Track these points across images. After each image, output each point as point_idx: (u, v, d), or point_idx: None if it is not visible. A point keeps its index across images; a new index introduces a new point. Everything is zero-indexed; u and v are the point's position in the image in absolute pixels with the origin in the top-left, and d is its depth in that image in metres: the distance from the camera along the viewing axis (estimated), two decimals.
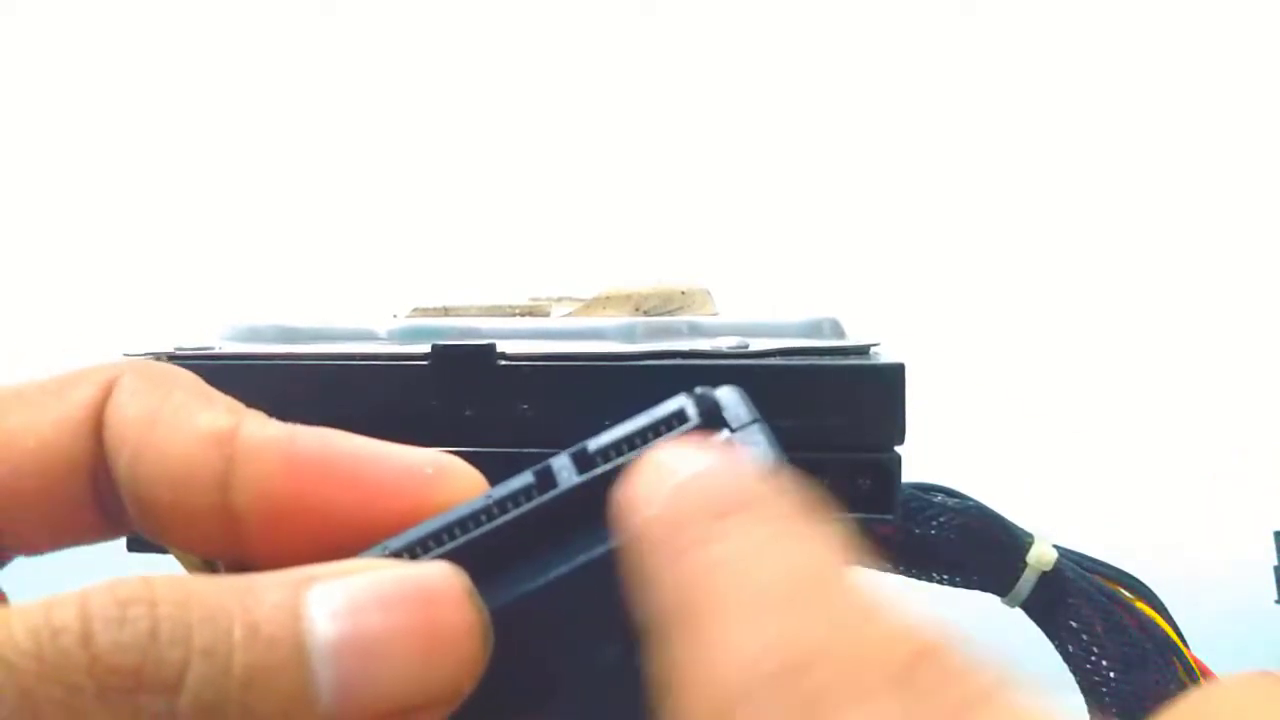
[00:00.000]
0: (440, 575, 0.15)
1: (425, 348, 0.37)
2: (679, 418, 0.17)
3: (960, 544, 0.47)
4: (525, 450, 0.37)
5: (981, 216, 0.77)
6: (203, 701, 0.13)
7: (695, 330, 0.41)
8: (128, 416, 0.18)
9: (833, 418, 0.35)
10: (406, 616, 0.14)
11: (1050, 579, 0.47)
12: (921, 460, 0.39)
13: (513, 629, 0.16)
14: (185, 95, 0.84)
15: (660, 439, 0.16)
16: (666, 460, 0.16)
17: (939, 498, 0.48)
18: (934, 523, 0.47)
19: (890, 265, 0.77)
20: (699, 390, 0.17)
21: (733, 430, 0.17)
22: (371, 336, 0.42)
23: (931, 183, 0.78)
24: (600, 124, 0.82)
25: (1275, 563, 0.72)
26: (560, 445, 0.41)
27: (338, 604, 0.14)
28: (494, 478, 0.41)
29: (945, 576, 0.47)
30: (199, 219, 0.83)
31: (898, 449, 0.36)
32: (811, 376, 0.36)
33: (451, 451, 0.40)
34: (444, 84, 0.83)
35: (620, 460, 0.16)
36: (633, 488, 0.16)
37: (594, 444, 0.17)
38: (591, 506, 0.16)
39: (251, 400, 0.43)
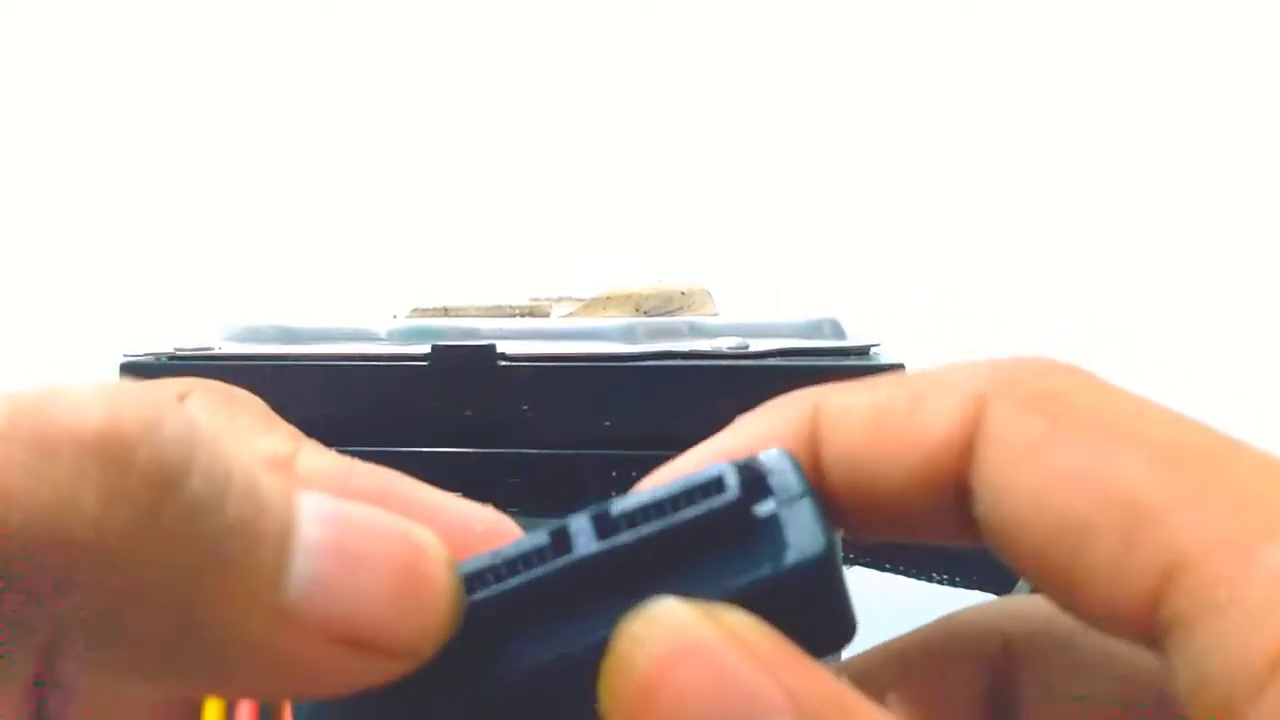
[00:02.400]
0: (427, 533, 0.14)
1: (425, 348, 0.38)
2: (716, 487, 0.15)
3: None
4: (525, 451, 0.37)
5: (982, 216, 0.77)
6: (188, 514, 0.12)
7: (695, 330, 0.41)
8: None
9: None
10: (390, 550, 0.14)
11: None
12: None
13: (500, 706, 0.14)
14: (185, 95, 0.84)
15: (692, 507, 0.15)
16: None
17: None
18: None
19: (890, 265, 0.77)
20: (744, 460, 0.15)
21: (779, 502, 0.15)
22: (371, 337, 0.42)
23: (932, 182, 0.78)
24: (601, 124, 0.82)
25: None
26: (560, 446, 0.41)
27: (327, 512, 0.13)
28: (495, 478, 0.42)
29: (945, 576, 0.47)
30: (199, 219, 0.83)
31: None
32: (812, 377, 0.36)
33: (451, 452, 0.40)
34: (444, 84, 0.83)
35: (644, 531, 0.14)
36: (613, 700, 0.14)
37: (617, 507, 0.15)
38: (608, 576, 0.14)
39: None
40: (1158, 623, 0.13)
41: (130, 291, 0.80)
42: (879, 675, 0.17)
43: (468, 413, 0.37)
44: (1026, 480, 0.14)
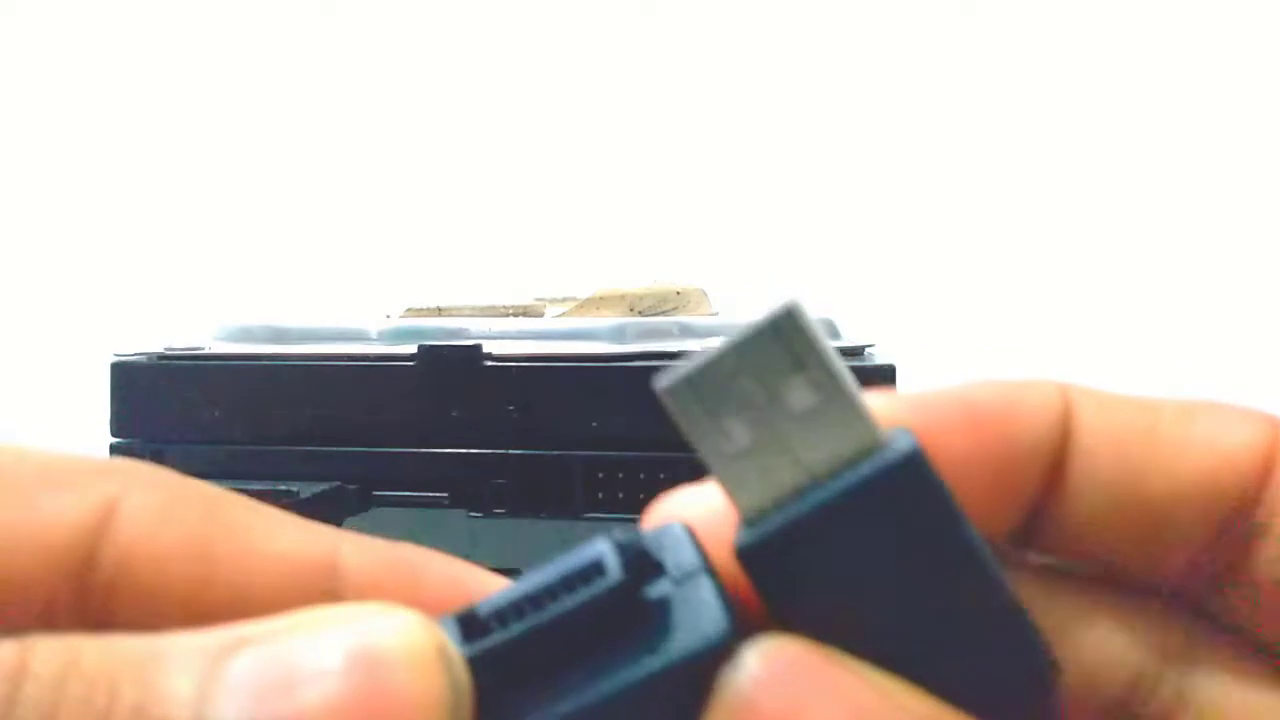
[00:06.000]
0: (396, 631, 0.12)
1: (412, 348, 0.37)
2: (596, 570, 0.13)
3: None
4: (511, 451, 0.37)
5: (979, 216, 0.77)
6: None
7: (686, 331, 0.41)
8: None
9: None
10: (341, 690, 0.11)
11: None
12: None
13: None
14: (179, 95, 0.84)
15: (569, 596, 0.13)
16: None
17: None
18: None
19: (888, 265, 0.77)
20: (621, 535, 0.13)
21: (675, 582, 0.13)
22: (362, 337, 0.42)
23: (929, 183, 0.78)
24: (601, 124, 0.82)
25: None
26: (547, 447, 0.41)
27: (259, 678, 0.11)
28: (481, 479, 0.42)
29: None
30: (194, 218, 0.83)
31: None
32: None
33: (438, 453, 0.40)
34: (441, 83, 0.83)
35: (518, 630, 0.13)
36: None
37: (486, 606, 0.13)
38: (477, 686, 0.12)
39: (241, 400, 0.43)
40: None
41: (121, 291, 0.80)
42: (936, 412, 0.15)
43: (454, 413, 0.37)
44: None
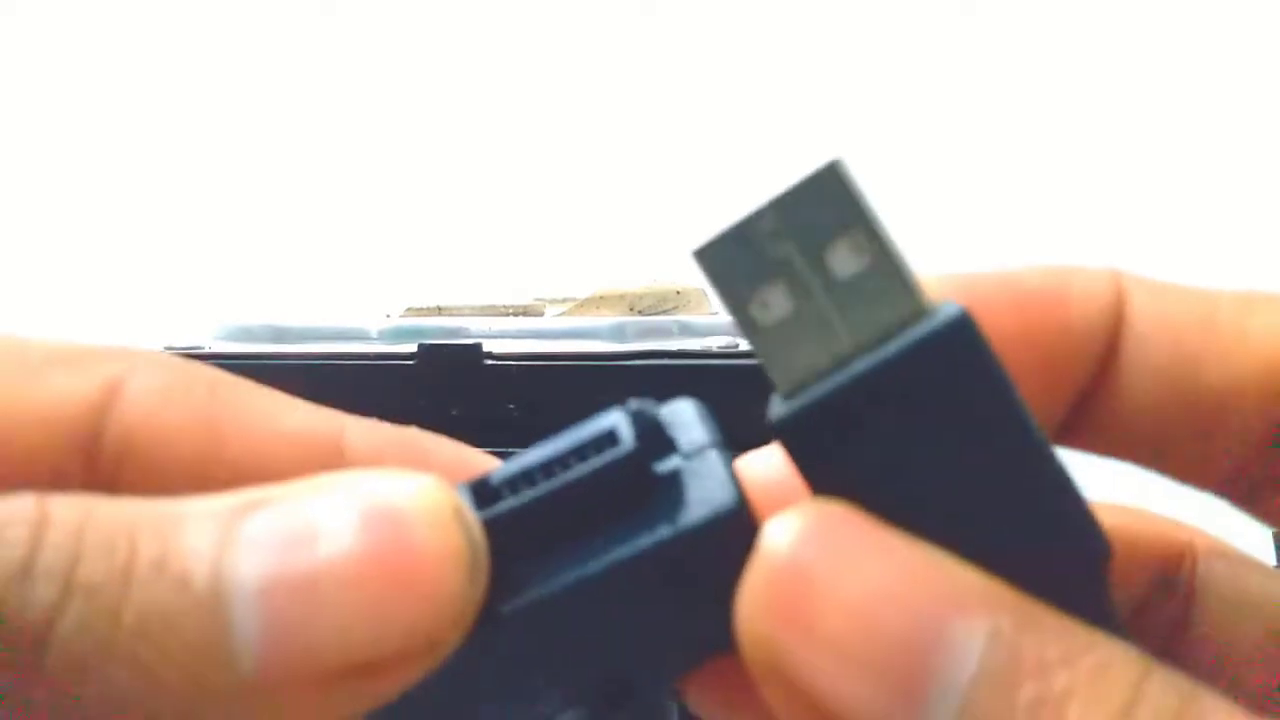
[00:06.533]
0: (412, 491, 0.11)
1: (412, 347, 0.38)
2: (609, 440, 0.13)
3: None
4: (511, 450, 0.37)
5: (978, 216, 0.77)
6: (75, 655, 0.10)
7: (685, 330, 0.41)
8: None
9: None
10: (359, 543, 0.11)
11: None
12: None
13: None
14: (178, 94, 0.84)
15: (582, 465, 0.13)
16: None
17: None
18: None
19: None
20: (636, 405, 0.13)
21: (685, 457, 0.13)
22: (362, 336, 0.42)
23: (929, 182, 0.78)
24: (600, 124, 0.82)
25: (1275, 564, 0.72)
26: None
27: (277, 533, 0.11)
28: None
29: None
30: (194, 218, 0.83)
31: None
32: None
33: None
34: (441, 82, 0.83)
35: (530, 496, 0.12)
36: None
37: (498, 475, 0.13)
38: (494, 550, 0.12)
39: None
40: None
41: (121, 290, 0.80)
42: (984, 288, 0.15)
43: (454, 412, 0.37)
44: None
